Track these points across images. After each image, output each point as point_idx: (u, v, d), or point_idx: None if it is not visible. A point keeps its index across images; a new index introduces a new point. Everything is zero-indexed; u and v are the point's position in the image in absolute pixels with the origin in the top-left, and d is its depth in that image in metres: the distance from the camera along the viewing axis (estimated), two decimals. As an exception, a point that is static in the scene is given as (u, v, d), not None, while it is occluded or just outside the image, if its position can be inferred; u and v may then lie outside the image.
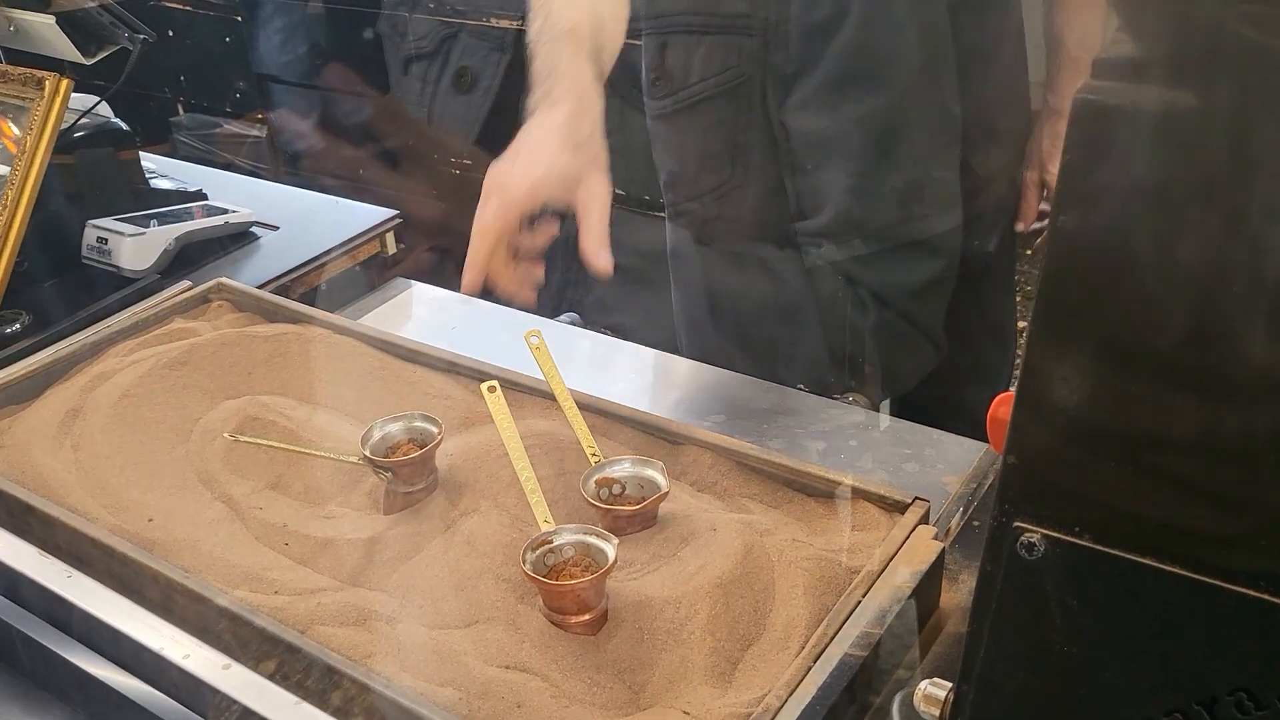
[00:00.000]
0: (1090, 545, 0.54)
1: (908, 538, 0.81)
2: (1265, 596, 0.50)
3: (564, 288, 1.63)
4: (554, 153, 0.98)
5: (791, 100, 1.17)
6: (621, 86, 1.24)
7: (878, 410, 1.22)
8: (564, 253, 1.45)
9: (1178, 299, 0.48)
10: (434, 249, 1.74)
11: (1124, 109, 0.46)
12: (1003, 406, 0.68)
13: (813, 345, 1.28)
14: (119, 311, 1.16)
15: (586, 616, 0.76)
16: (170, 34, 2.87)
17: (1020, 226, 1.60)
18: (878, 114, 1.15)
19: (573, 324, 1.35)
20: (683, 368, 1.21)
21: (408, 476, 0.89)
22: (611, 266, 0.97)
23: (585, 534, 0.78)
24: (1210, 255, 0.47)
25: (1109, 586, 0.54)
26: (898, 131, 1.17)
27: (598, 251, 0.97)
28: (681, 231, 1.29)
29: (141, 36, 1.25)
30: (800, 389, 1.18)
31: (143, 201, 1.38)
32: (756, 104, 1.18)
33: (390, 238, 1.41)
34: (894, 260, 1.21)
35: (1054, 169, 1.54)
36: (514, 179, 0.99)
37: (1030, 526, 0.55)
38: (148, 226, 1.30)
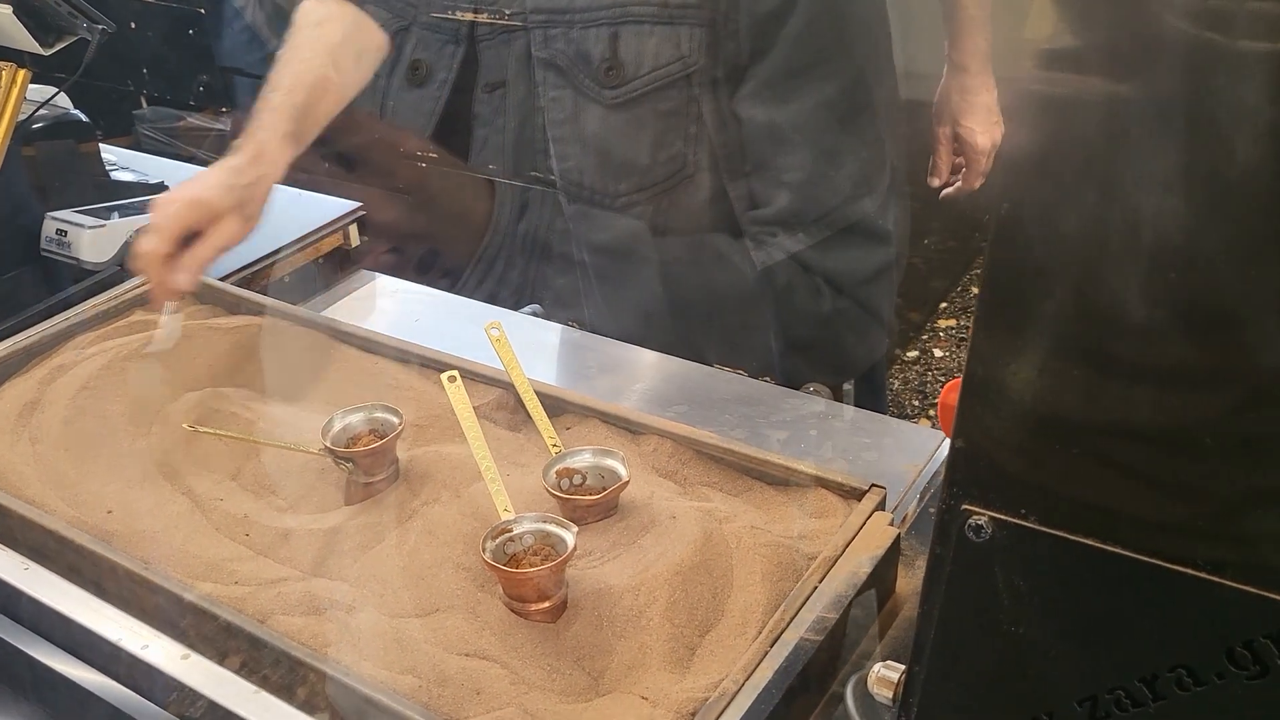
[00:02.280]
0: (1035, 527, 0.55)
1: (864, 524, 0.82)
2: (1203, 575, 0.51)
3: (526, 281, 1.63)
4: (210, 186, 1.10)
5: (742, 90, 1.18)
6: (575, 77, 1.24)
7: (839, 400, 1.23)
8: (527, 247, 1.46)
9: (1117, 286, 0.49)
10: (397, 242, 1.74)
11: (1065, 99, 0.47)
12: (952, 393, 0.69)
13: (767, 333, 1.29)
14: (79, 304, 1.15)
15: (546, 604, 0.76)
16: (132, 26, 2.85)
17: (935, 181, 1.62)
18: (827, 102, 1.17)
19: (535, 315, 1.35)
20: (645, 358, 1.21)
21: (368, 467, 0.89)
22: (184, 289, 1.07)
23: (544, 522, 0.79)
24: (1148, 243, 0.48)
25: (1054, 567, 0.55)
26: (846, 120, 1.19)
27: (179, 274, 1.06)
28: (637, 222, 1.30)
29: (100, 27, 1.24)
30: (766, 380, 1.19)
31: (103, 193, 1.36)
32: (708, 93, 1.19)
33: (353, 230, 1.41)
34: (845, 247, 1.22)
35: (966, 123, 1.57)
36: (172, 200, 1.10)
37: (978, 509, 0.56)
38: (108, 219, 1.29)
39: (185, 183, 1.13)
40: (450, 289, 1.45)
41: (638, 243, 1.34)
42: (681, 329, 1.33)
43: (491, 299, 1.43)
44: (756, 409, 1.10)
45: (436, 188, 1.60)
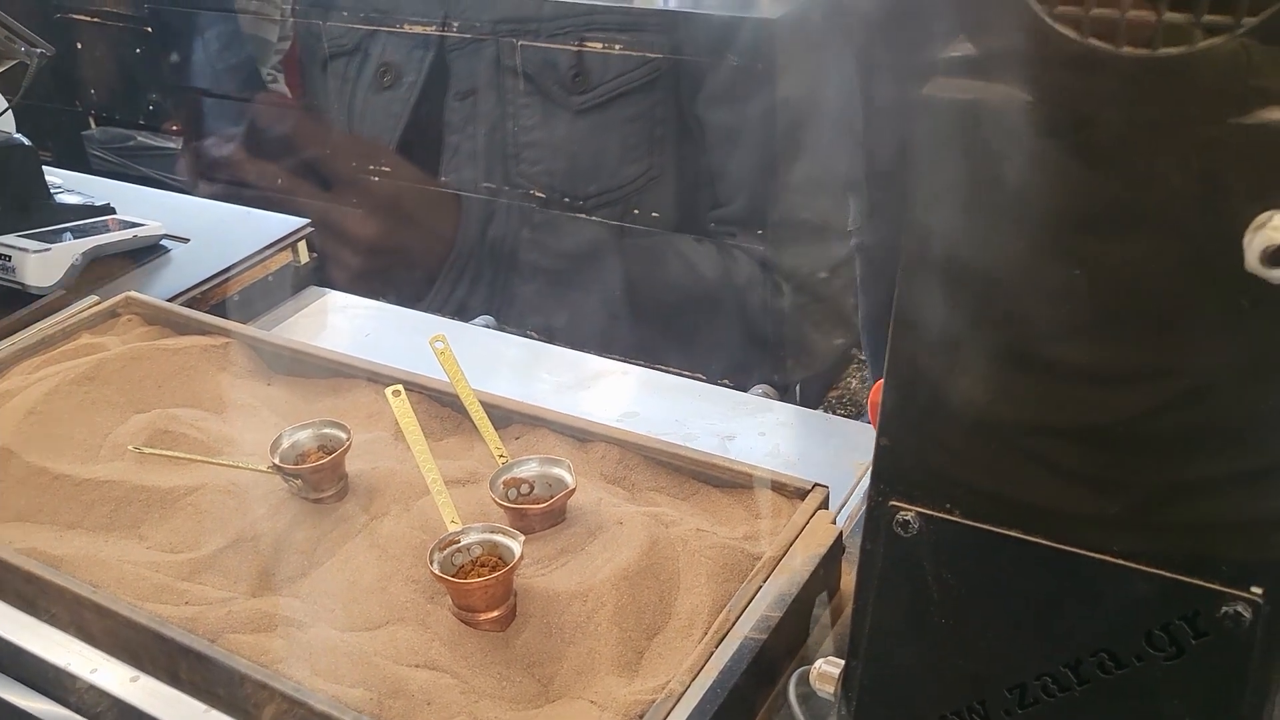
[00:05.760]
0: (960, 521, 0.56)
1: (807, 523, 0.83)
2: (1120, 562, 0.53)
3: (494, 288, 1.64)
4: None
5: (703, 93, 1.21)
6: (543, 84, 1.26)
7: (789, 400, 1.25)
8: (479, 258, 1.47)
9: (1025, 287, 0.51)
10: (355, 254, 1.74)
11: (965, 104, 0.48)
12: (880, 391, 0.71)
13: (729, 330, 1.31)
14: (24, 329, 1.15)
15: (494, 613, 0.77)
16: (78, 46, 2.83)
17: None
18: (786, 104, 1.19)
19: (488, 327, 1.36)
20: (597, 365, 1.22)
21: (317, 483, 0.89)
22: None
23: (491, 532, 0.80)
24: (1053, 244, 0.50)
25: (979, 560, 0.57)
26: (805, 120, 1.21)
27: None
28: (605, 224, 1.32)
29: (40, 51, 1.24)
30: (723, 383, 1.21)
31: (48, 217, 1.36)
32: (671, 98, 1.22)
33: (303, 246, 1.41)
34: (804, 244, 1.25)
35: None
36: None
37: (904, 505, 0.57)
38: (53, 242, 1.29)
39: None
40: (418, 297, 1.46)
41: (605, 246, 1.36)
42: (645, 331, 1.35)
43: (460, 307, 1.45)
44: (708, 411, 1.12)
45: (402, 197, 1.61)
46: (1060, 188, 0.48)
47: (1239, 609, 0.50)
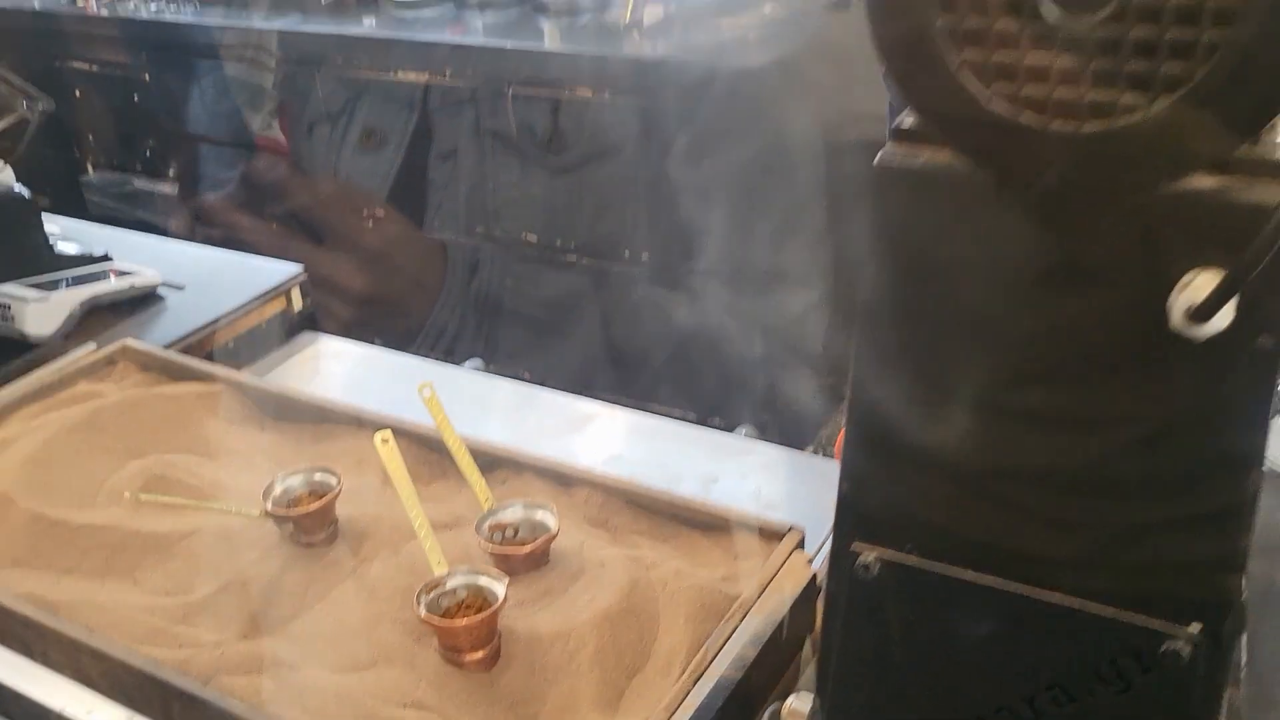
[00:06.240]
0: (918, 563, 0.59)
1: (784, 564, 0.86)
2: (1069, 601, 0.56)
3: (480, 335, 1.68)
4: None
5: (673, 152, 1.25)
6: (522, 144, 1.30)
7: (774, 440, 1.28)
8: (465, 301, 1.50)
9: (975, 339, 0.54)
10: (347, 300, 1.78)
11: (912, 170, 0.52)
12: (846, 437, 0.74)
13: (715, 372, 1.35)
14: (23, 376, 1.17)
15: (480, 654, 0.79)
16: (77, 94, 2.87)
17: None
18: (750, 161, 1.23)
19: (477, 370, 1.39)
20: (585, 408, 1.25)
21: (308, 528, 0.92)
22: None
23: (476, 575, 0.82)
24: (1001, 299, 0.53)
25: (938, 600, 0.59)
26: (769, 174, 1.26)
27: None
28: (582, 275, 1.36)
29: (40, 107, 1.27)
30: (713, 421, 1.24)
31: (47, 266, 1.39)
32: (642, 156, 1.26)
33: (296, 293, 1.44)
34: (775, 293, 1.29)
35: None
36: None
37: (866, 547, 0.60)
38: (52, 291, 1.32)
39: None
40: (410, 341, 1.50)
41: (587, 293, 1.40)
42: (631, 373, 1.38)
43: (447, 354, 1.48)
44: (691, 453, 1.14)
45: (392, 249, 1.65)
46: (1005, 247, 0.51)
47: (1179, 646, 0.53)
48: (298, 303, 1.44)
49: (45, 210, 1.46)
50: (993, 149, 0.47)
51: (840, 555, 0.61)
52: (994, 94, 0.46)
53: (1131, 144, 0.44)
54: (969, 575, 0.58)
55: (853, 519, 0.60)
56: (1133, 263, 0.48)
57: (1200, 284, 0.46)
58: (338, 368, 1.38)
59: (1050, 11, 0.43)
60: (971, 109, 0.46)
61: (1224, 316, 0.46)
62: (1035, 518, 0.56)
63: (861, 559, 0.60)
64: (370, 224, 1.67)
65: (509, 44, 1.77)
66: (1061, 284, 0.51)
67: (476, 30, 2.13)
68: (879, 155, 0.53)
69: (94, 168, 3.02)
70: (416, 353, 1.42)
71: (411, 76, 2.05)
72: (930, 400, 0.57)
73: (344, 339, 1.43)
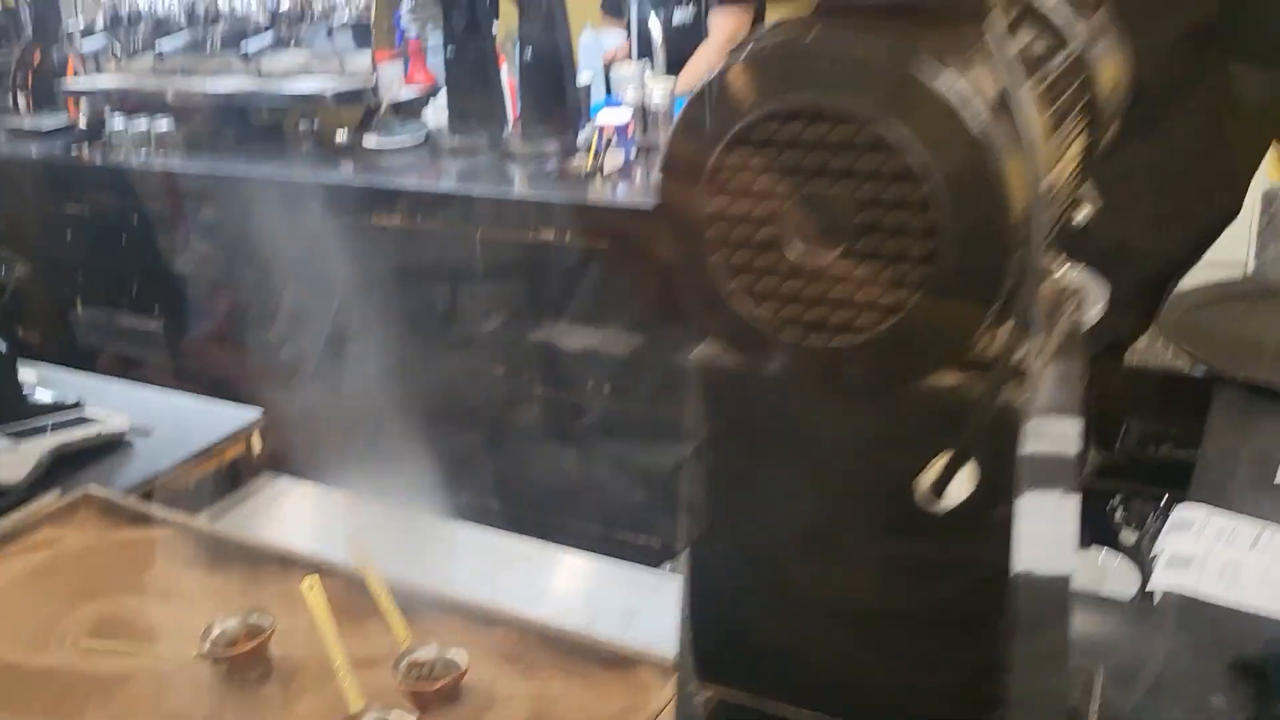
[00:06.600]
0: (749, 701, 0.67)
1: (674, 698, 0.93)
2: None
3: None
4: None
5: (558, 325, 1.39)
6: (424, 327, 1.44)
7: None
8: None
9: (775, 510, 0.63)
10: (310, 438, 1.87)
11: (711, 369, 0.61)
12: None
13: (640, 507, 1.44)
14: (-10, 524, 1.26)
15: (390, 786, 0.86)
16: (69, 237, 3.01)
17: None
18: (628, 331, 1.37)
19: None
20: (516, 547, 1.33)
21: (242, 667, 0.99)
22: None
23: (387, 712, 0.89)
24: (786, 479, 0.62)
25: (767, 735, 0.67)
26: (649, 341, 1.39)
27: None
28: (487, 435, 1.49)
29: (18, 272, 1.38)
30: (648, 543, 1.32)
31: (19, 414, 1.48)
32: (531, 329, 1.40)
33: (255, 437, 1.53)
34: (653, 447, 1.40)
35: None
36: None
37: (706, 686, 0.68)
38: (21, 440, 1.41)
39: None
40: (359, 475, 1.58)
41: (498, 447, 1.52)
42: (566, 510, 1.47)
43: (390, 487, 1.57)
44: (610, 592, 1.22)
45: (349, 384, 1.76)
46: (784, 437, 0.60)
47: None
48: (256, 446, 1.53)
49: (35, 345, 1.55)
50: (770, 360, 0.57)
51: (683, 694, 0.69)
52: (758, 318, 0.56)
53: (872, 356, 0.54)
54: (792, 708, 0.66)
55: (693, 660, 0.68)
56: (888, 445, 0.57)
57: (940, 465, 0.55)
58: (289, 507, 1.47)
59: (794, 250, 0.53)
60: (739, 324, 0.56)
61: (960, 491, 0.55)
62: (853, 660, 0.65)
63: (698, 697, 0.68)
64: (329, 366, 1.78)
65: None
66: (830, 460, 0.60)
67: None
68: (693, 353, 0.63)
69: (83, 305, 3.14)
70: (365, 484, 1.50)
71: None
72: (757, 567, 0.66)
73: (300, 480, 1.52)
